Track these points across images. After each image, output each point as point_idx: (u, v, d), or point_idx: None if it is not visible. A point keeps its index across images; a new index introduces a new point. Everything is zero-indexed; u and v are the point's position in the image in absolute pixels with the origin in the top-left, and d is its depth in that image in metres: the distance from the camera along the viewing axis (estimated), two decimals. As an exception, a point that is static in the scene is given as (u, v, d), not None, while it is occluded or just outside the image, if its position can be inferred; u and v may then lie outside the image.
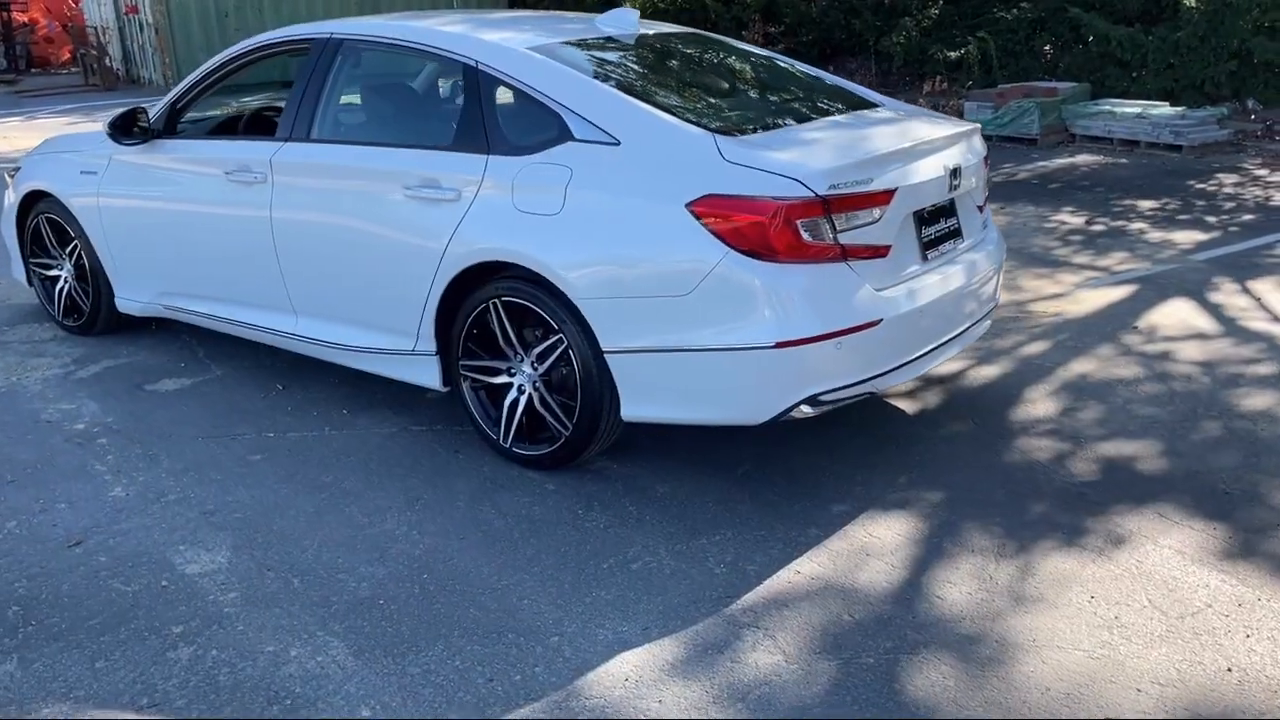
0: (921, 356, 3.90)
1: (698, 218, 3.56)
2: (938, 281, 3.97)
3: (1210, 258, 6.89)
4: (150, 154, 5.12)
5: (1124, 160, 10.31)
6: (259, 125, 5.42)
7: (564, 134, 3.90)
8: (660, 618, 3.21)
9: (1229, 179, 9.33)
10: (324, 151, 4.49)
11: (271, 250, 4.65)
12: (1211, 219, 7.93)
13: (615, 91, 3.98)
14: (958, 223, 4.13)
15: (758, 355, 3.56)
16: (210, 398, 4.93)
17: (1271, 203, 8.39)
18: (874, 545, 3.59)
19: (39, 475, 4.18)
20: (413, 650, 3.07)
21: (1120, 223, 7.92)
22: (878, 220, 3.68)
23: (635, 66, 4.39)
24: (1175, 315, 5.78)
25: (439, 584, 3.41)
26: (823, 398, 3.65)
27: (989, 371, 5.02)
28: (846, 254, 3.62)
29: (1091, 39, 12.25)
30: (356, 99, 4.79)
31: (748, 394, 3.65)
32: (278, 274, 4.69)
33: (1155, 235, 7.52)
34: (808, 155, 3.69)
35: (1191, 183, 9.22)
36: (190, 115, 5.29)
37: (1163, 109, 10.66)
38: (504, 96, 4.11)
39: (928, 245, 3.95)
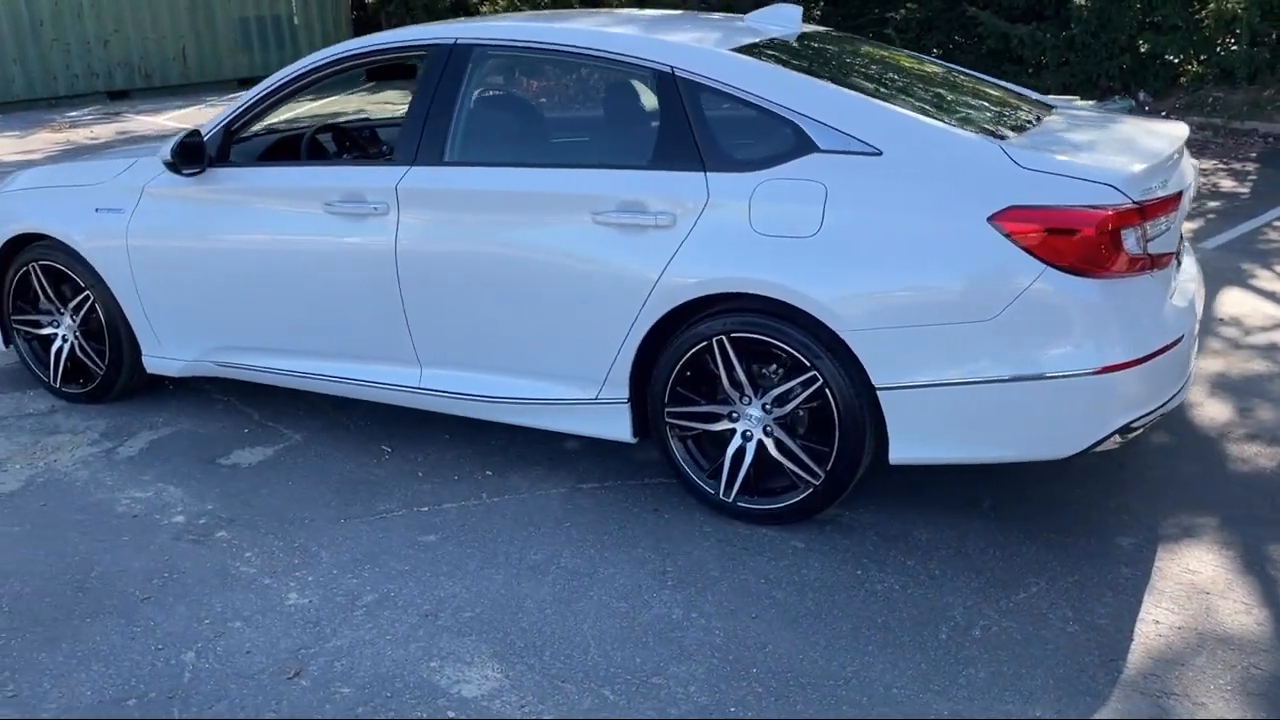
0: (1190, 374, 3.63)
1: (1005, 233, 3.16)
2: (1184, 290, 3.72)
3: (1217, 245, 6.98)
4: (205, 186, 4.31)
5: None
6: (337, 147, 4.66)
7: (804, 145, 3.43)
8: (1064, 695, 2.82)
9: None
10: (471, 176, 3.85)
11: (393, 293, 3.97)
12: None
13: (863, 96, 3.53)
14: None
15: (1079, 382, 3.20)
16: (311, 469, 4.19)
17: (1222, 189, 8.65)
18: (1202, 582, 3.29)
19: (178, 588, 3.40)
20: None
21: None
22: (1168, 228, 3.38)
23: (836, 68, 3.94)
24: (1244, 304, 5.77)
25: (779, 681, 2.90)
26: (1133, 425, 3.32)
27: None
28: (1153, 265, 3.30)
29: (989, 37, 12.47)
30: (504, 114, 4.15)
31: (1060, 426, 3.28)
32: (400, 320, 4.01)
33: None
34: (1104, 159, 3.36)
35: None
36: (242, 139, 4.49)
37: (1077, 103, 10.89)
38: (714, 106, 3.59)
39: (1177, 252, 3.69)
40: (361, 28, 19.26)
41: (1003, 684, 2.86)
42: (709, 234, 3.46)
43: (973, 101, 3.88)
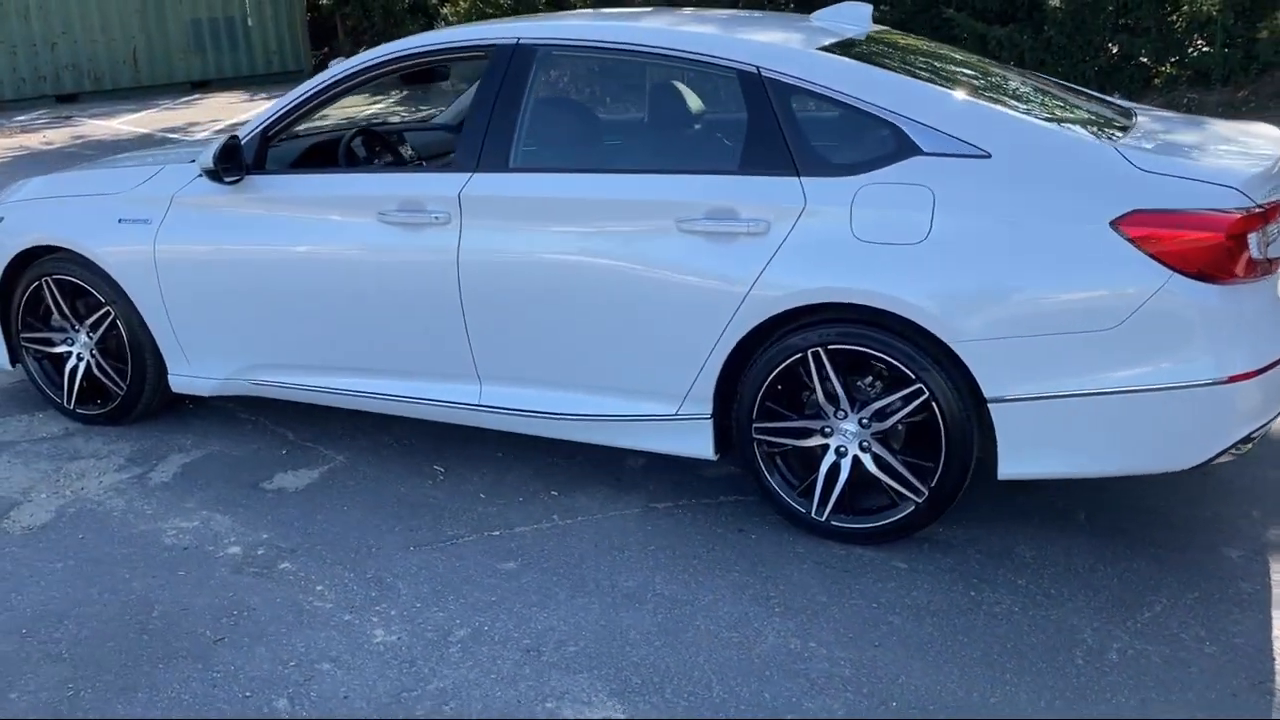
0: None
1: (1129, 238, 3.04)
2: None
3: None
4: (244, 194, 4.06)
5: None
6: (368, 152, 4.43)
7: (905, 148, 3.29)
8: (1223, 721, 2.68)
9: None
10: (541, 183, 3.65)
11: (453, 306, 3.76)
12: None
13: (966, 96, 3.39)
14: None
15: (1205, 393, 3.08)
16: (363, 492, 3.96)
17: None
18: (1325, 595, 3.18)
19: (251, 626, 3.16)
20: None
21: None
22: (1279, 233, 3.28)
23: (923, 68, 3.79)
24: None
25: (922, 714, 2.75)
26: (1252, 435, 3.21)
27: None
28: (1269, 270, 3.20)
29: (966, 39, 12.45)
30: (573, 117, 3.95)
31: (1183, 438, 3.16)
32: (459, 334, 3.80)
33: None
34: (1220, 162, 3.25)
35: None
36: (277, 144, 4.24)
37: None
38: (805, 107, 3.43)
39: None
40: (316, 30, 18.87)
41: (1154, 712, 2.72)
42: (806, 241, 3.30)
43: (1064, 102, 3.76)
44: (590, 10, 4.60)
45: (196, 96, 17.13)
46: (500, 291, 3.70)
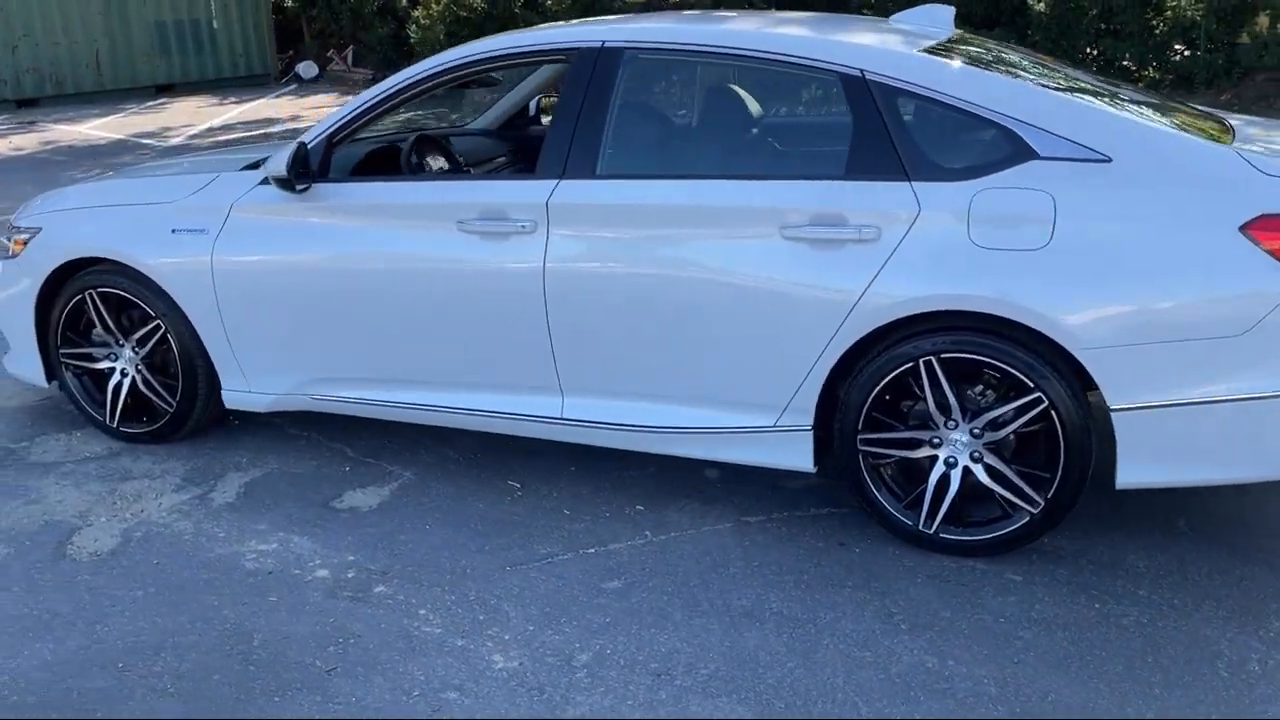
0: None
1: (1258, 243, 3.00)
2: None
3: None
4: (310, 203, 3.92)
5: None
6: (419, 158, 4.29)
7: (1021, 152, 3.23)
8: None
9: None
10: (633, 190, 3.55)
11: (538, 316, 3.65)
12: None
13: (1082, 100, 3.34)
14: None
15: (1333, 399, 3.04)
16: (441, 510, 3.84)
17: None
18: None
19: (361, 654, 3.03)
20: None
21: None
22: None
23: (1024, 71, 3.73)
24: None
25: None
26: None
27: None
28: (1387, 275, 3.17)
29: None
30: (664, 122, 3.85)
31: (1311, 445, 3.12)
32: (543, 346, 3.69)
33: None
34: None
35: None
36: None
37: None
38: (913, 111, 3.36)
39: None
40: (282, 32, 18.56)
41: (1315, 724, 2.68)
42: (921, 248, 3.23)
43: (1163, 107, 3.72)
44: (671, 13, 4.49)
45: (162, 100, 16.77)
46: (589, 301, 3.59)
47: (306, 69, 18.25)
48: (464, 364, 3.84)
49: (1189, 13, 11.61)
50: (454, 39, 15.70)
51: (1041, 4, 12.19)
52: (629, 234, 3.54)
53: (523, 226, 3.61)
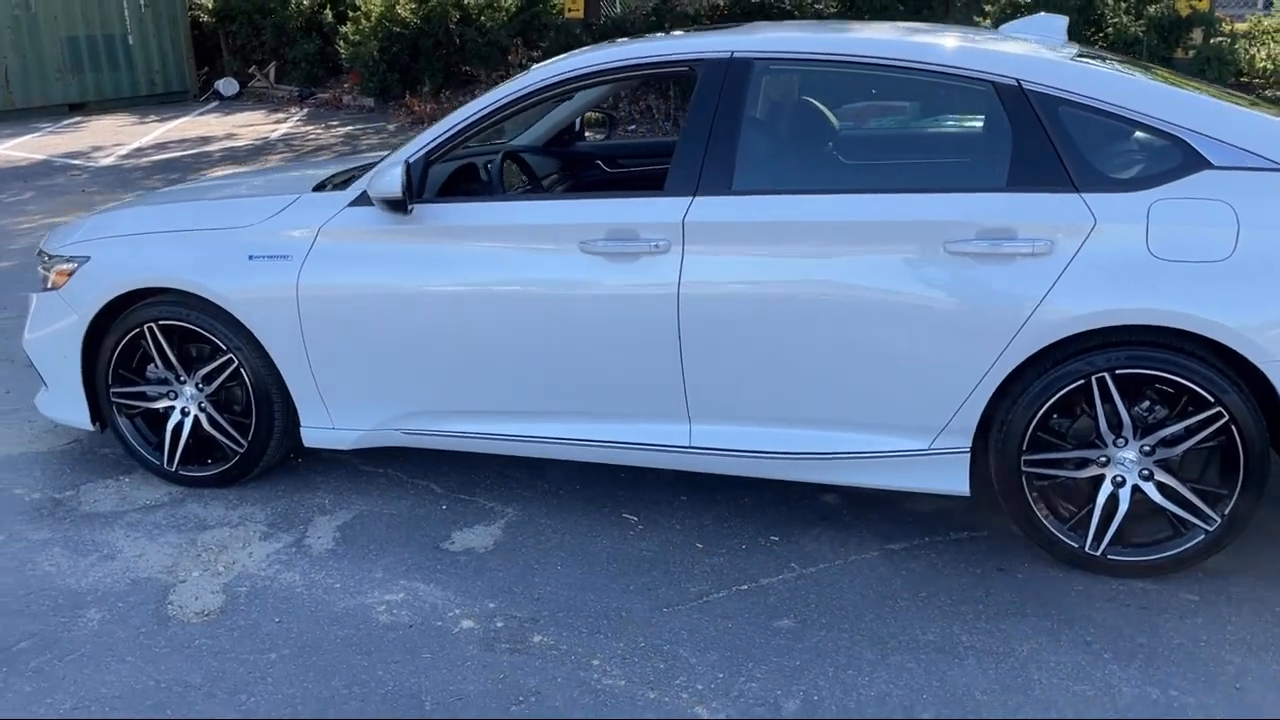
0: None
1: None
2: None
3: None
4: (410, 225, 3.66)
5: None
6: (493, 175, 4.06)
7: (1192, 161, 3.16)
8: None
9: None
10: (777, 206, 3.39)
11: (669, 340, 3.46)
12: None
13: (1248, 108, 3.28)
14: None
15: None
16: (566, 550, 3.62)
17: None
18: None
19: (550, 713, 2.79)
20: None
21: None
22: None
23: (1164, 79, 3.66)
24: None
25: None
26: None
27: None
28: None
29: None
30: (804, 135, 3.67)
31: None
32: (673, 371, 3.50)
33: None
34: None
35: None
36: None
37: None
38: (1075, 121, 3.25)
39: None
40: (199, 48, 17.91)
41: None
42: (1097, 261, 3.13)
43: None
44: (797, 22, 4.33)
45: (78, 119, 16.00)
46: (727, 324, 3.41)
47: (227, 85, 17.65)
48: (583, 392, 3.62)
49: (1131, 29, 11.87)
50: (387, 54, 15.33)
51: (987, 20, 12.34)
52: (772, 251, 3.38)
53: (656, 246, 3.42)
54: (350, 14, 15.99)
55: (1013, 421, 3.29)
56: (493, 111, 3.67)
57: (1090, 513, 3.32)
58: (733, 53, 3.51)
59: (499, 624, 3.18)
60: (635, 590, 3.35)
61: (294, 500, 3.97)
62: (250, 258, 3.79)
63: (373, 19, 15.50)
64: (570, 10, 14.70)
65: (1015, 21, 3.89)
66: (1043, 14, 3.86)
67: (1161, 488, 3.26)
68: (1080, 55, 3.59)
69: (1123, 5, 11.28)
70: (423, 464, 4.18)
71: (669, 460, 3.65)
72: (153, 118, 15.83)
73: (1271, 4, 11.18)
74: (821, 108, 3.85)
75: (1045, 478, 3.35)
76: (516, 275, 3.57)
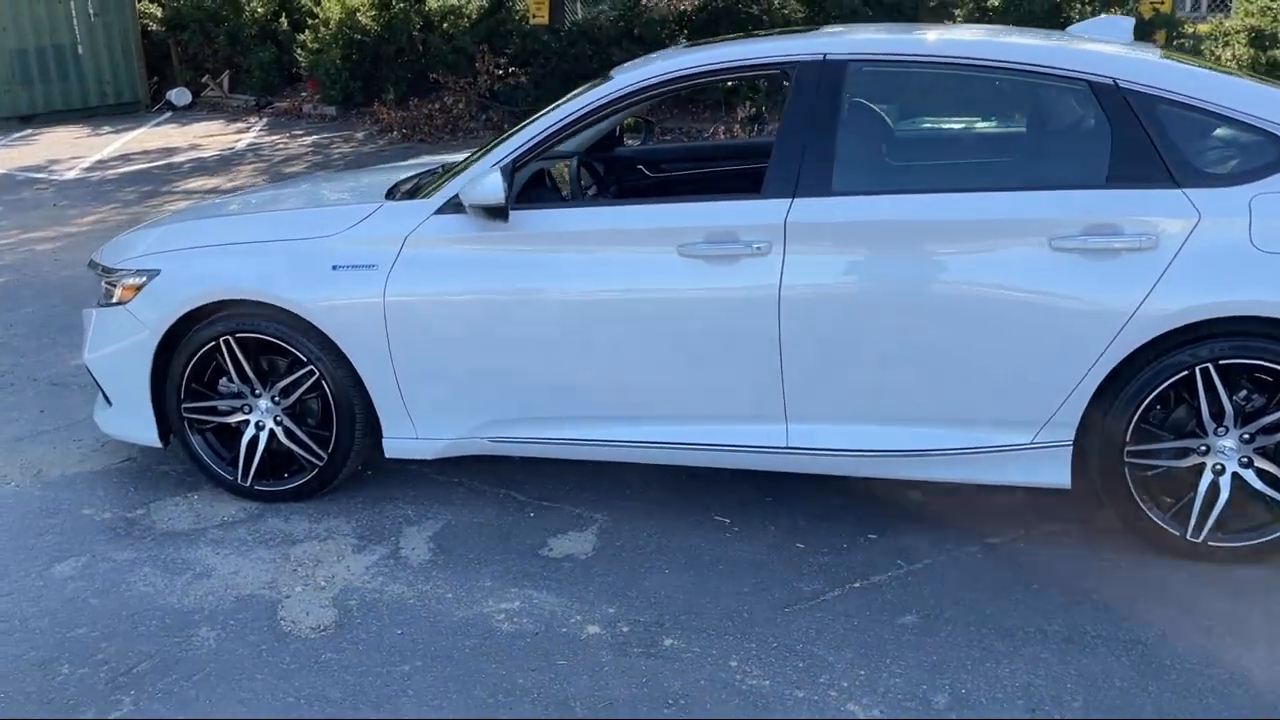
0: None
1: None
2: None
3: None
4: (500, 232, 3.65)
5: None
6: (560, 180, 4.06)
7: (1287, 155, 3.24)
8: None
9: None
10: (882, 205, 3.43)
11: (769, 341, 3.49)
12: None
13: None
14: None
15: None
16: (669, 554, 3.64)
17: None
18: None
19: (701, 712, 2.79)
20: None
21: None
22: None
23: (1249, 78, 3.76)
24: None
25: None
26: None
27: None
28: None
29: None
30: (902, 135, 3.71)
31: None
32: (772, 372, 3.53)
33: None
34: None
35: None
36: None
37: None
38: (1171, 118, 3.34)
39: None
40: (149, 58, 17.56)
41: None
42: (1202, 254, 3.21)
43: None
44: (882, 25, 4.37)
45: (29, 132, 15.60)
46: (828, 324, 3.45)
47: (179, 95, 17.33)
48: (678, 395, 3.64)
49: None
50: (349, 62, 15.17)
51: (960, 11, 12.53)
52: (875, 251, 3.42)
53: (757, 248, 3.44)
54: (308, 21, 15.78)
55: (1115, 414, 3.36)
56: (581, 116, 3.68)
57: (1191, 501, 3.38)
58: (825, 55, 3.54)
59: (624, 629, 3.18)
60: (749, 591, 3.36)
61: (376, 512, 3.93)
62: (334, 268, 3.75)
63: (332, 26, 15.32)
64: (535, 16, 14.65)
65: (1082, 23, 3.97)
66: (1108, 16, 3.98)
67: (1261, 474, 3.34)
68: (1163, 56, 3.67)
69: (1090, 8, 11.51)
70: (497, 472, 4.16)
71: (765, 461, 3.67)
72: (107, 129, 15.49)
73: (1215, 7, 11.50)
74: (916, 108, 3.90)
75: (1147, 468, 3.42)
76: (610, 280, 3.58)
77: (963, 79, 3.65)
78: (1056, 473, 3.47)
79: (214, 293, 3.84)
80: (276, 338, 3.83)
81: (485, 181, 3.50)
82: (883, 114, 3.81)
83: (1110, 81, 3.35)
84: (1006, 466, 3.50)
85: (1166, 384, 3.31)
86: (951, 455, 3.50)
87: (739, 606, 3.28)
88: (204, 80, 17.53)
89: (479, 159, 3.78)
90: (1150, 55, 3.50)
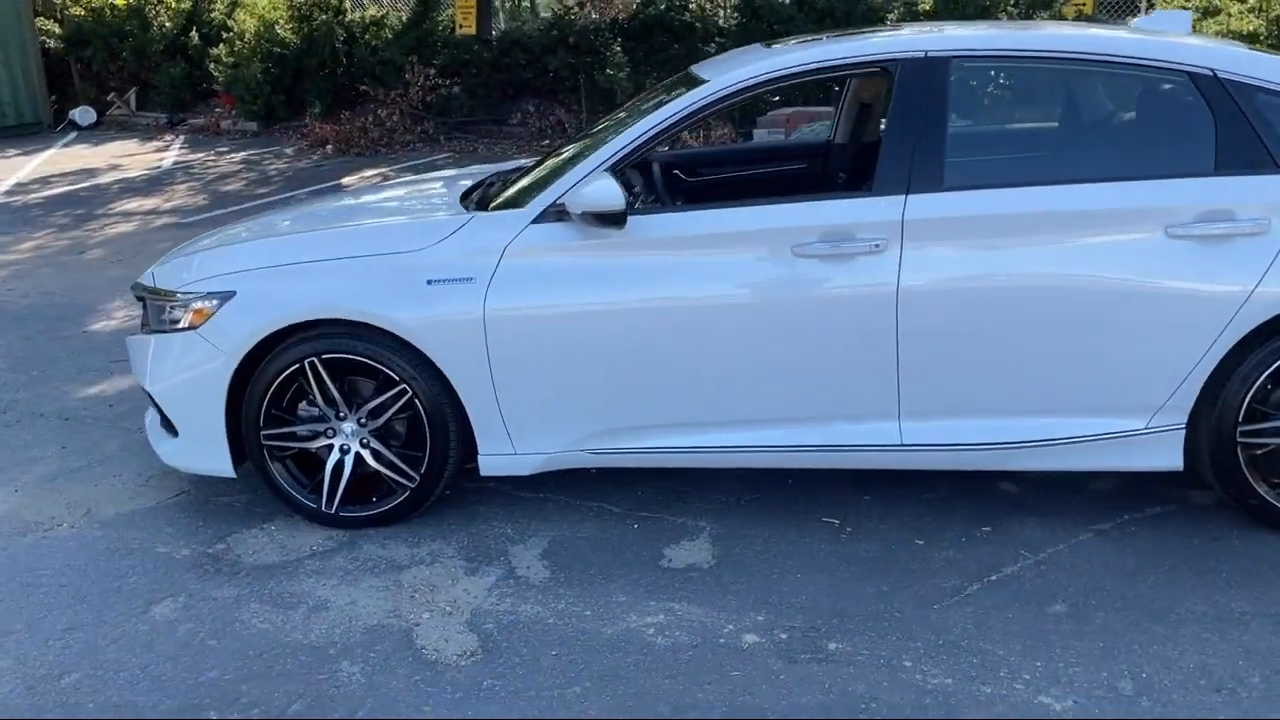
0: None
1: None
2: None
3: None
4: (602, 239, 3.59)
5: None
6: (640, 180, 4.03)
7: (1382, 140, 3.38)
8: None
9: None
10: (996, 199, 3.47)
11: (886, 338, 3.50)
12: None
13: None
14: None
15: None
16: (800, 557, 3.62)
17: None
18: None
19: (892, 714, 2.78)
20: None
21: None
22: None
23: None
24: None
25: None
26: None
27: None
28: None
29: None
30: (1008, 129, 3.74)
31: None
32: (888, 369, 3.54)
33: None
34: None
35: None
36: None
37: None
38: (1270, 106, 3.45)
39: None
40: (49, 75, 16.86)
41: None
42: (1312, 239, 3.31)
43: None
44: (973, 22, 4.40)
45: (-73, 157, 14.83)
46: (947, 319, 3.47)
47: (83, 115, 16.68)
48: (791, 397, 3.62)
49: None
50: (270, 76, 14.77)
51: (893, 15, 12.77)
52: (992, 245, 3.45)
53: (875, 246, 3.44)
54: (222, 35, 15.33)
55: (1228, 396, 3.44)
56: (685, 117, 3.64)
57: (1300, 477, 3.48)
58: (926, 52, 3.56)
59: (782, 636, 3.14)
60: (890, 590, 3.35)
61: (473, 533, 3.82)
62: (429, 282, 3.63)
63: (249, 39, 14.91)
64: (462, 26, 14.47)
65: (1145, 17, 4.07)
66: (1167, 10, 4.05)
67: (1370, 448, 3.45)
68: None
69: (1015, 11, 11.84)
70: (582, 486, 4.08)
71: (878, 459, 3.67)
72: (13, 151, 14.82)
73: (1154, 6, 11.95)
74: (1019, 101, 3.95)
75: (1258, 447, 3.50)
76: (723, 283, 3.55)
77: (1063, 73, 3.70)
78: (1169, 456, 3.54)
79: (302, 313, 3.69)
80: (367, 357, 3.69)
81: (597, 187, 3.43)
82: (987, 109, 3.85)
83: (1209, 72, 3.44)
84: (1121, 452, 3.56)
85: (1277, 365, 3.39)
86: (1068, 444, 3.56)
87: (886, 607, 3.27)
88: (109, 98, 16.90)
89: (572, 166, 3.70)
90: (1240, 47, 3.59)
